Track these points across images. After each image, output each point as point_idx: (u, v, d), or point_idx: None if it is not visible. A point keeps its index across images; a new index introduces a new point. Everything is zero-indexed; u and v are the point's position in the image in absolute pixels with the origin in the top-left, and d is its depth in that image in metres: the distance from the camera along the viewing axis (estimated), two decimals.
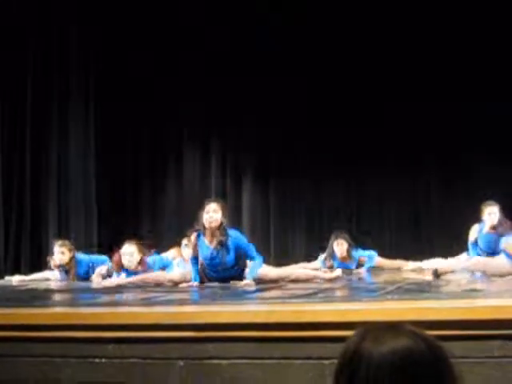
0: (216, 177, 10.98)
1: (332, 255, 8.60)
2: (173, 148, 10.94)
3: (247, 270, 6.10)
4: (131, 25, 10.25)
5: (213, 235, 6.14)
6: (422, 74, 10.04)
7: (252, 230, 10.76)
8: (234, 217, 10.87)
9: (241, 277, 6.07)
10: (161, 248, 8.27)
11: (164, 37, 10.46)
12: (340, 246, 8.58)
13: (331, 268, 8.17)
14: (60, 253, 7.54)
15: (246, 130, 10.70)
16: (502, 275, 6.02)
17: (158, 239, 9.56)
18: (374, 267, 8.52)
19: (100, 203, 10.10)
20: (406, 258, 8.75)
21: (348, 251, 8.56)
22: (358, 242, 8.92)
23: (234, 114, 10.56)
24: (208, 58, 10.49)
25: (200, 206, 6.30)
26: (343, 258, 8.55)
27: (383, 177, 10.30)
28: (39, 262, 8.99)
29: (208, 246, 6.15)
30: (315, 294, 4.61)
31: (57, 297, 5.73)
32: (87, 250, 8.69)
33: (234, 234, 6.23)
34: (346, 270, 8.13)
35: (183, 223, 9.03)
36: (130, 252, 6.77)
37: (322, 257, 8.78)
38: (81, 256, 7.74)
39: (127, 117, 10.46)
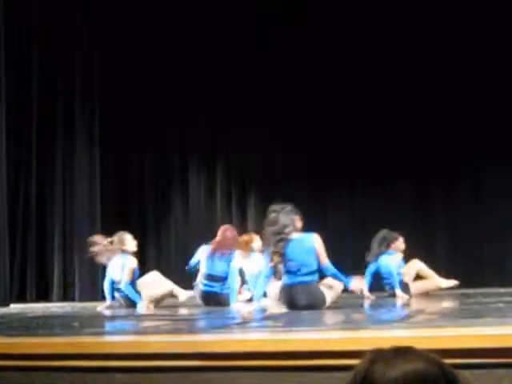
0: (221, 196, 11.00)
1: None
2: (178, 170, 10.97)
3: None
4: (135, 45, 10.33)
5: None
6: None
7: None
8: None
9: None
10: (166, 272, 8.27)
11: (166, 57, 10.53)
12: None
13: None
14: None
15: (251, 149, 10.73)
16: None
17: (165, 264, 9.59)
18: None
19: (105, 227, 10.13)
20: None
21: None
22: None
23: (238, 136, 10.62)
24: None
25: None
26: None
27: (393, 200, 10.35)
28: (45, 289, 9.00)
29: None
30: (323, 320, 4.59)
31: (61, 325, 5.69)
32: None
33: None
34: None
35: (189, 246, 9.04)
36: None
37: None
38: None
39: (132, 139, 10.52)
